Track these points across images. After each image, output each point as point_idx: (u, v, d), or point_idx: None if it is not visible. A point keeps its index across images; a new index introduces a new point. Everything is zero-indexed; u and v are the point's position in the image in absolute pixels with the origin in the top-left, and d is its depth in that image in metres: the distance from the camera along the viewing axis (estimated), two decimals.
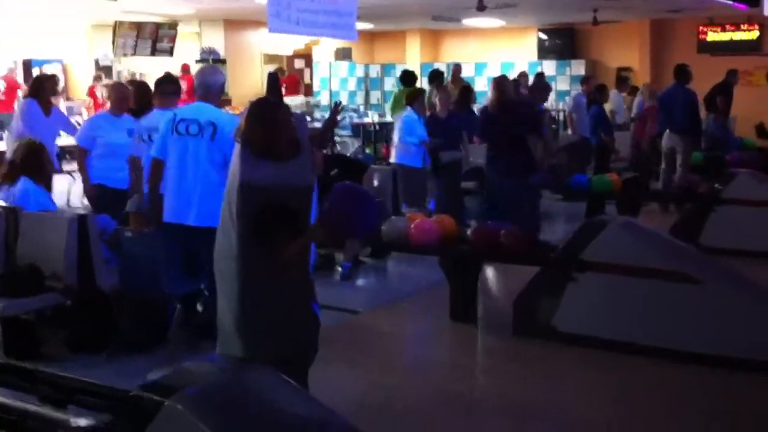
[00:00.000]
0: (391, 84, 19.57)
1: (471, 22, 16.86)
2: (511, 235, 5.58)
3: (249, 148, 3.41)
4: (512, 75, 16.03)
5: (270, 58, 16.74)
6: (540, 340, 5.18)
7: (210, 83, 5.16)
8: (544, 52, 18.51)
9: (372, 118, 14.84)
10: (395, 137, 8.83)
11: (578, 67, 17.85)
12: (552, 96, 14.08)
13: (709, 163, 10.39)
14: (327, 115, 6.23)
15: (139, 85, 7.36)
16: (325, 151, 7.47)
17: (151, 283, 5.06)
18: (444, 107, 8.61)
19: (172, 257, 5.08)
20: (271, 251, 3.32)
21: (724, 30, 16.95)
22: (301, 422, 2.72)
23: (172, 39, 15.66)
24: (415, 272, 7.14)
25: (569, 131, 12.10)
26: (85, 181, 6.58)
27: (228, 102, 13.21)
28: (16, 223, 5.22)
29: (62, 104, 12.75)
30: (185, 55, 15.95)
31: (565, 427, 4.18)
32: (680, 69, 10.08)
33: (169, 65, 15.36)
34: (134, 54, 15.25)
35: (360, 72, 19.40)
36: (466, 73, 17.61)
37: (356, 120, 14.58)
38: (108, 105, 7.20)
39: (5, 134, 9.30)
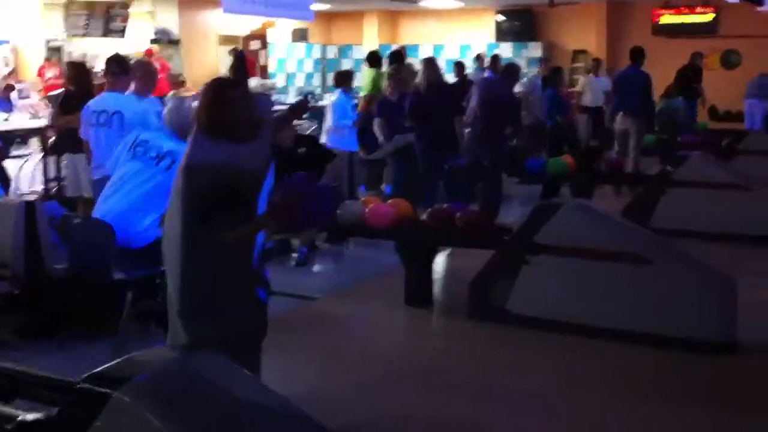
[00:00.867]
0: (348, 65, 19.43)
1: (429, 3, 16.81)
2: (466, 217, 5.60)
3: (201, 129, 3.34)
4: (470, 57, 16.13)
5: (225, 39, 16.51)
6: (495, 323, 5.21)
7: (184, 123, 4.78)
8: (501, 33, 18.54)
9: (329, 100, 14.72)
10: (328, 121, 8.81)
11: (535, 50, 17.91)
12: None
13: (661, 145, 10.53)
14: (286, 100, 6.21)
15: (79, 66, 7.24)
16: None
17: (100, 270, 4.97)
18: (394, 90, 8.56)
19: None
20: (214, 235, 3.23)
21: (679, 12, 17.12)
22: (252, 409, 2.71)
23: (125, 19, 15.33)
24: (372, 256, 7.12)
25: (524, 113, 12.16)
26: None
27: (182, 84, 13.02)
28: None
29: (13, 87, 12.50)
30: (138, 36, 15.67)
31: (518, 404, 4.21)
32: (635, 51, 10.17)
33: (121, 47, 15.11)
34: (85, 35, 14.93)
35: (317, 53, 19.24)
36: (424, 54, 17.58)
37: (313, 103, 14.47)
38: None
39: None
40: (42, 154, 9.87)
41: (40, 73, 13.60)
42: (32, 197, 7.29)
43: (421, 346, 5.17)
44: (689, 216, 7.44)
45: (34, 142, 10.86)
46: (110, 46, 14.96)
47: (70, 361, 4.34)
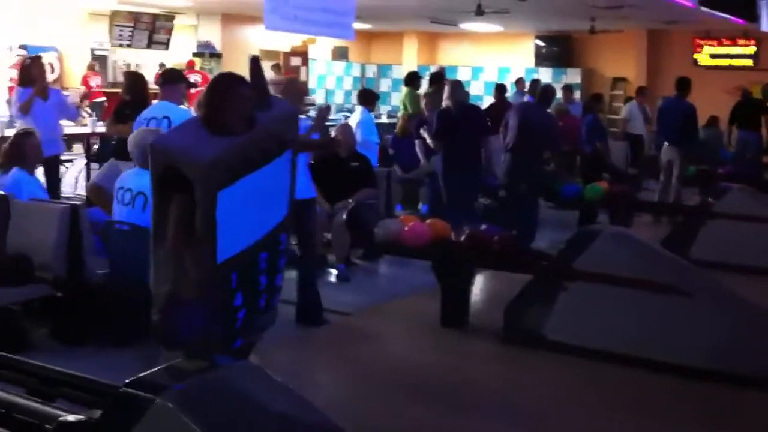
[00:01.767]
0: (387, 85, 19.56)
1: (468, 26, 16.87)
2: (503, 241, 5.58)
3: (199, 118, 3.22)
4: (509, 80, 16.14)
5: (266, 54, 16.68)
6: (529, 348, 5.18)
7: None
8: (540, 58, 18.53)
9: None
10: (357, 137, 8.85)
11: (574, 76, 17.88)
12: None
13: (701, 177, 10.44)
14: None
15: (136, 76, 7.37)
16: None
17: (140, 277, 5.01)
18: (431, 111, 8.59)
19: None
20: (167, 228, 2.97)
21: (720, 44, 17.04)
22: (288, 420, 2.72)
23: (169, 31, 15.59)
24: (404, 275, 7.12)
25: None
26: None
27: None
28: (6, 212, 5.18)
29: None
30: (181, 48, 15.89)
31: (549, 430, 4.17)
32: (681, 81, 10.13)
33: (164, 58, 15.31)
34: (130, 45, 15.18)
35: (356, 71, 19.37)
36: (463, 76, 17.63)
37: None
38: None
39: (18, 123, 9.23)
40: (86, 160, 10.03)
41: (84, 82, 13.81)
42: (76, 202, 7.38)
43: (453, 367, 5.14)
44: (729, 249, 7.35)
45: (78, 148, 11.04)
46: (153, 57, 15.21)
47: (102, 367, 4.36)
